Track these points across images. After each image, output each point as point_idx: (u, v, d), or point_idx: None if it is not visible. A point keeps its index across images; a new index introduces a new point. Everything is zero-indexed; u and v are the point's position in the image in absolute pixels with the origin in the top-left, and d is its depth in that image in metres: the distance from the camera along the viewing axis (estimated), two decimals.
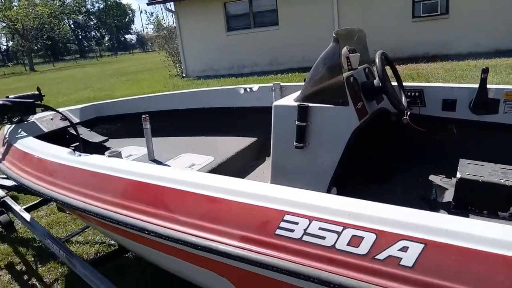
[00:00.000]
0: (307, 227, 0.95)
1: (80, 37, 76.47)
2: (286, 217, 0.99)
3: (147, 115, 2.38)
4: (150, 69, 22.11)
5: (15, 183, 2.02)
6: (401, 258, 0.83)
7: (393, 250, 0.84)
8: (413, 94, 2.37)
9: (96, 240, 3.27)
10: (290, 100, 2.03)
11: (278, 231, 0.98)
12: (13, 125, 2.44)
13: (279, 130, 1.99)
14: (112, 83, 17.07)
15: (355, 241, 0.89)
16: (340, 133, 1.81)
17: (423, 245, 0.82)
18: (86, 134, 3.03)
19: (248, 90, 2.98)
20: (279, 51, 13.24)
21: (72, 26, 73.11)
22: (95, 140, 2.97)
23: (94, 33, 78.71)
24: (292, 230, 0.96)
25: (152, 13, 36.33)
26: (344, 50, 2.08)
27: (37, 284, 2.81)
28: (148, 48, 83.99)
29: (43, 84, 18.29)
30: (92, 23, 74.52)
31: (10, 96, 2.39)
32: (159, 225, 1.16)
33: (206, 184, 1.16)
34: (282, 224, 0.98)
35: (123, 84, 15.74)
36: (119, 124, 3.29)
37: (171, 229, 1.13)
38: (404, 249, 0.83)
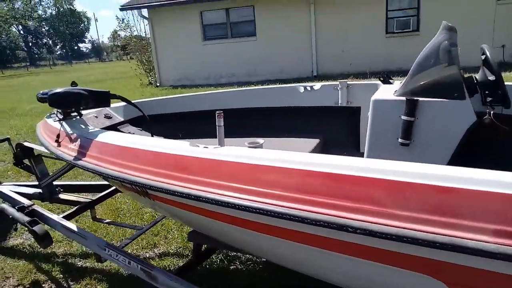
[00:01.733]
0: None
1: (30, 44, 72.43)
2: None
3: (222, 111, 2.23)
4: (116, 78, 21.31)
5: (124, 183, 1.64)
6: None
7: None
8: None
9: (144, 245, 2.99)
10: (388, 94, 1.97)
11: None
12: (66, 121, 2.17)
13: (379, 126, 1.91)
14: None
15: None
16: (454, 130, 1.77)
17: None
18: (138, 133, 2.79)
19: (309, 89, 2.88)
20: (257, 62, 13.27)
21: (22, 32, 69.15)
22: None
23: (46, 40, 74.91)
24: None
25: (123, 19, 35.18)
26: (446, 43, 2.04)
27: None
28: (105, 57, 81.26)
29: None
30: (44, 29, 70.88)
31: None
32: (371, 222, 1.03)
33: (434, 174, 1.05)
34: None
35: None
36: (170, 123, 3.04)
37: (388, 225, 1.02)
38: None
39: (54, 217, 2.53)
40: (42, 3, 70.61)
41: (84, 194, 3.26)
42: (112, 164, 1.64)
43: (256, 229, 1.35)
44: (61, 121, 2.17)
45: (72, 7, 74.90)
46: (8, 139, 3.13)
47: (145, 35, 15.87)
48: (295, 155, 1.28)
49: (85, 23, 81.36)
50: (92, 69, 38.53)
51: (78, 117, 2.28)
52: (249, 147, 1.95)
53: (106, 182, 3.09)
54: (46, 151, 3.01)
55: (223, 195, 1.26)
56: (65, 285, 2.67)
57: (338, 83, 2.80)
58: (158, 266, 2.31)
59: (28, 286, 2.70)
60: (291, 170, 1.21)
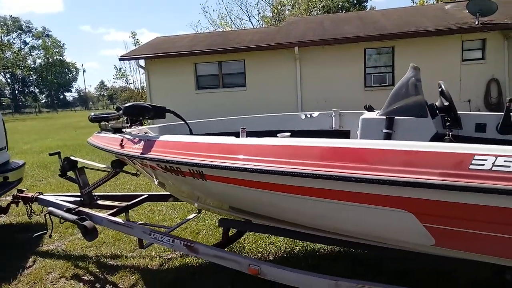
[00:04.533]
0: (495, 161, 1.51)
1: (16, 91, 72.94)
2: (476, 157, 1.55)
3: (245, 128, 2.88)
4: None
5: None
6: None
7: None
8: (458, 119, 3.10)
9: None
10: (373, 115, 2.68)
11: (471, 166, 1.54)
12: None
13: (366, 138, 2.59)
14: (72, 135, 16.68)
15: None
16: (421, 139, 2.44)
17: None
18: None
19: (309, 116, 3.60)
20: (246, 111, 14.16)
21: (9, 80, 69.93)
22: None
23: (32, 88, 75.63)
24: (483, 164, 1.53)
25: (120, 69, 36.65)
26: (413, 79, 2.79)
27: None
28: (91, 106, 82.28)
29: None
30: (31, 78, 71.83)
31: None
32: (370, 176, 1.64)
33: (395, 144, 1.71)
34: (474, 162, 1.54)
35: (87, 135, 15.47)
36: None
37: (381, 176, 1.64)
38: None
39: (100, 214, 3.04)
40: (33, 53, 72.21)
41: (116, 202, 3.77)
42: (175, 154, 2.23)
43: (287, 191, 1.94)
44: (127, 128, 2.81)
45: (62, 58, 76.76)
46: (59, 153, 3.64)
47: (140, 83, 16.76)
48: (312, 140, 1.93)
49: (73, 73, 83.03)
50: (80, 116, 39.07)
51: (139, 126, 2.91)
52: (280, 137, 2.56)
53: (136, 193, 3.63)
54: (89, 162, 3.57)
55: (263, 166, 1.88)
56: (101, 277, 3.11)
57: (332, 111, 3.53)
58: None
59: (70, 277, 3.12)
60: (312, 147, 1.87)
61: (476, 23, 11.38)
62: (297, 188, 1.90)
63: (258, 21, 35.28)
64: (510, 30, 11.17)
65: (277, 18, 31.34)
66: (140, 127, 3.34)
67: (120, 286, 2.96)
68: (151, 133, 3.24)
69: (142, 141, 2.48)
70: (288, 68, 13.70)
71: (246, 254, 3.37)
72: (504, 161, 1.51)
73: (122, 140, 2.67)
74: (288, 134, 2.82)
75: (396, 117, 2.52)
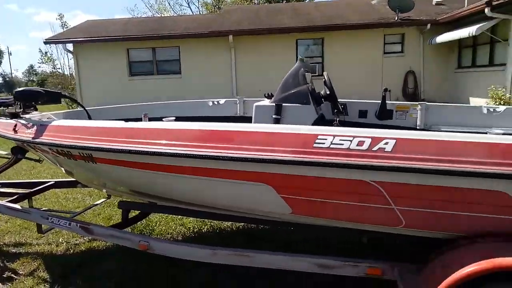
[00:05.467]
0: (333, 140, 1.78)
1: None
2: (319, 137, 1.81)
3: (147, 113, 2.98)
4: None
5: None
6: (385, 148, 1.73)
7: (380, 145, 1.73)
8: (340, 106, 3.44)
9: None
10: (266, 102, 2.91)
11: (315, 145, 1.80)
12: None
13: (259, 122, 2.81)
14: None
15: (360, 143, 1.76)
16: (304, 122, 2.70)
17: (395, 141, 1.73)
18: None
19: (216, 103, 3.78)
20: (181, 98, 14.01)
21: None
22: None
23: None
24: (323, 143, 1.79)
25: (45, 52, 34.03)
26: (302, 70, 3.05)
27: (14, 276, 2.93)
28: None
29: None
30: None
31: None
32: (227, 153, 1.85)
33: (259, 126, 1.93)
34: (317, 141, 1.80)
35: None
36: None
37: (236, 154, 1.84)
38: (386, 143, 1.73)
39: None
40: None
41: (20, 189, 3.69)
42: (65, 138, 2.29)
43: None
44: (21, 114, 2.77)
45: None
46: None
47: (69, 69, 15.91)
48: (191, 124, 2.11)
49: None
50: None
51: (34, 111, 2.88)
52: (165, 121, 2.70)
53: (42, 180, 3.59)
54: None
55: (144, 147, 2.02)
56: (0, 264, 3.08)
57: (237, 99, 3.75)
58: None
59: None
60: (191, 130, 2.05)
61: (396, 18, 12.26)
62: (176, 168, 2.07)
63: (198, 7, 34.76)
64: (425, 26, 12.18)
65: (217, 5, 31.02)
66: (43, 113, 3.30)
67: (20, 272, 2.96)
68: (55, 119, 3.23)
69: (35, 126, 2.50)
70: (223, 56, 13.77)
71: (152, 235, 3.50)
72: (340, 140, 1.79)
73: (15, 125, 2.65)
74: (173, 118, 2.97)
75: (284, 104, 2.77)
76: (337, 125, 3.17)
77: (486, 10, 9.04)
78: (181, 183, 2.16)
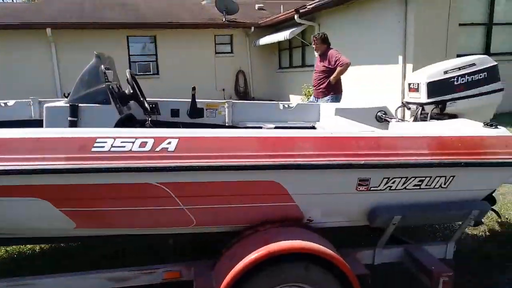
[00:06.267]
0: (113, 142, 1.67)
1: None
2: (98, 140, 1.67)
3: None
4: None
5: None
6: (168, 148, 1.70)
7: (163, 145, 1.70)
8: (151, 105, 3.30)
9: None
10: (60, 103, 2.59)
11: (93, 149, 1.65)
12: None
13: (53, 127, 2.47)
14: None
15: (143, 144, 1.70)
16: (106, 124, 2.48)
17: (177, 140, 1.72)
18: None
19: (3, 105, 3.17)
20: None
21: None
22: None
23: None
24: (103, 146, 1.66)
25: None
26: (102, 67, 2.78)
27: None
28: None
29: None
30: None
31: None
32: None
33: (23, 132, 1.67)
34: (96, 144, 1.66)
35: None
36: None
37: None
38: (168, 143, 1.71)
39: None
40: None
41: None
42: None
43: None
44: None
45: None
46: None
47: None
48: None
49: None
50: None
51: None
52: None
53: None
54: None
55: None
56: None
57: (30, 99, 3.26)
58: None
59: None
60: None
61: (224, 20, 12.90)
62: None
63: None
64: (249, 29, 13.18)
65: None
66: None
67: None
68: None
69: None
70: (41, 51, 12.11)
71: None
72: (121, 142, 1.70)
73: None
74: None
75: (80, 105, 2.51)
76: (150, 126, 3.07)
77: (296, 16, 10.33)
78: None
